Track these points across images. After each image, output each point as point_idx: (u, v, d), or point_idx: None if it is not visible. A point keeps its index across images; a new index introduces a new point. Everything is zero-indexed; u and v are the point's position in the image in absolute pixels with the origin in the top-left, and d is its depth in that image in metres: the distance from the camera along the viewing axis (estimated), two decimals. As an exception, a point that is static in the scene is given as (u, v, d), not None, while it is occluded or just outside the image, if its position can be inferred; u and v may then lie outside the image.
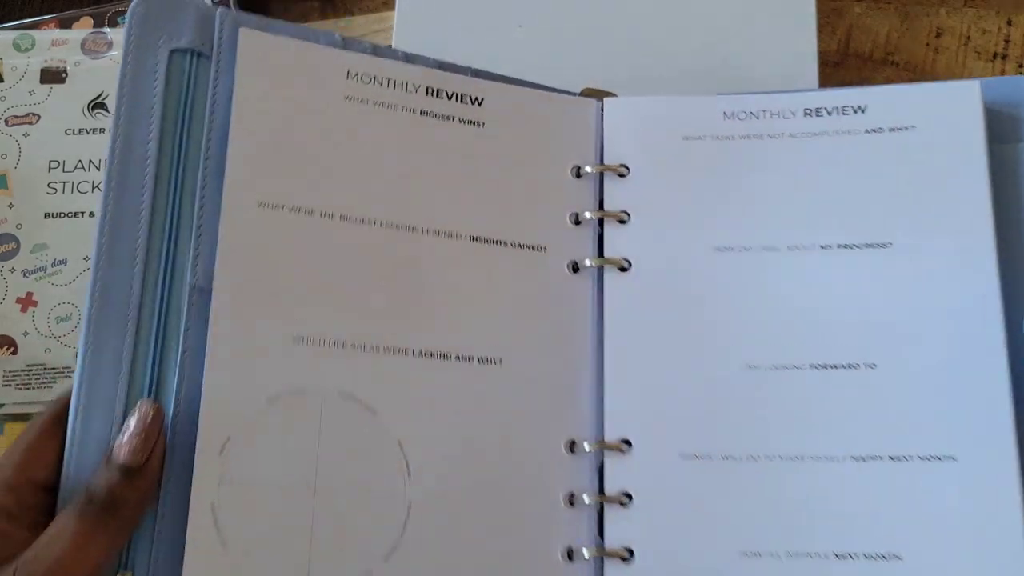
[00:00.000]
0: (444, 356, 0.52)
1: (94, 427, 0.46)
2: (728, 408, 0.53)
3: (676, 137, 0.57)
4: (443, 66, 0.57)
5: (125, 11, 0.54)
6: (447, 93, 0.55)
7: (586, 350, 0.55)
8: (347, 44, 0.55)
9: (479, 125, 0.56)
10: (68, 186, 0.51)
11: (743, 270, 0.55)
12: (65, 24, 0.55)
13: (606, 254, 0.56)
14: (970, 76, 0.53)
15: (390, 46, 0.55)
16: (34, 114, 0.52)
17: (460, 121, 0.55)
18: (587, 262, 0.55)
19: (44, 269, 0.50)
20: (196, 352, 0.48)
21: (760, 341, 0.54)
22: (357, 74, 0.54)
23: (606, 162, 0.57)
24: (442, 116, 0.55)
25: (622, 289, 0.55)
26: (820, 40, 0.49)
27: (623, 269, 0.56)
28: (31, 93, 0.52)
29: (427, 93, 0.55)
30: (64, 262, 0.50)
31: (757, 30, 0.51)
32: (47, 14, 0.54)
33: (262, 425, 0.49)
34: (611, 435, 0.53)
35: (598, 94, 0.59)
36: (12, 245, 0.50)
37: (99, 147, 0.51)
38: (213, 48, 0.52)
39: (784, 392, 0.53)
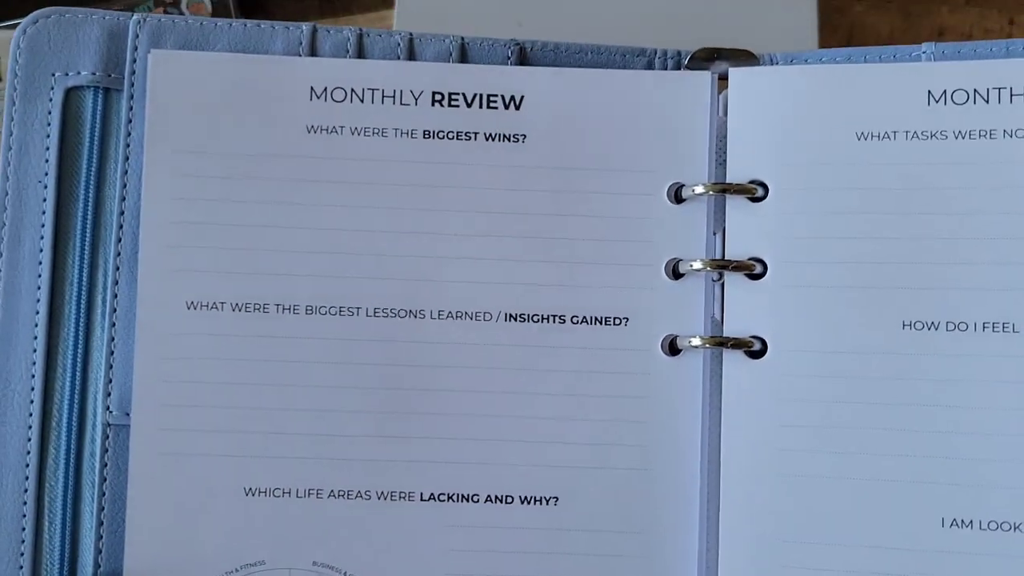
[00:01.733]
0: (469, 499, 0.36)
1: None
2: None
3: (846, 134, 0.35)
4: (466, 47, 0.38)
5: (124, 10, 0.50)
6: (465, 97, 0.37)
7: (688, 478, 0.35)
8: (317, 37, 0.38)
9: (517, 140, 0.37)
10: None
11: (955, 365, 0.34)
12: None
13: (726, 329, 0.36)
14: None
15: (389, 30, 0.36)
16: None
17: (488, 138, 0.37)
18: (692, 340, 0.36)
19: None
20: (116, 512, 0.35)
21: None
22: (324, 90, 0.36)
23: (729, 179, 0.36)
24: (458, 135, 0.37)
25: (751, 385, 0.35)
26: (821, 39, 0.47)
27: (754, 353, 0.35)
28: None
29: (434, 102, 0.37)
30: None
31: (758, 29, 0.48)
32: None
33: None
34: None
35: (713, 56, 0.37)
36: None
37: None
38: (125, 79, 0.37)
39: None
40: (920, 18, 0.53)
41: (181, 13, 0.53)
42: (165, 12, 0.53)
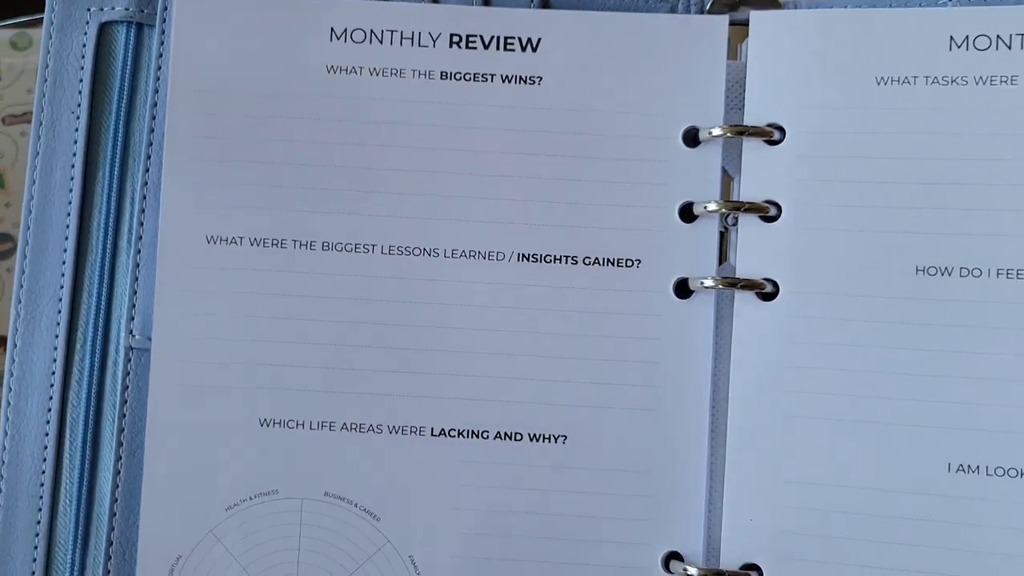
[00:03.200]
0: (479, 434, 0.36)
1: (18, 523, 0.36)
2: None
3: (865, 78, 0.35)
4: (487, -7, 0.38)
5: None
6: (482, 39, 0.37)
7: (696, 419, 0.36)
8: (341, -19, 0.38)
9: (533, 82, 0.37)
10: None
11: (967, 311, 0.33)
12: None
13: (738, 270, 0.36)
14: None
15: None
16: (31, 113, 0.46)
17: (504, 80, 0.37)
18: (705, 281, 0.36)
19: None
20: (135, 435, 0.36)
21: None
22: (344, 31, 0.37)
23: (746, 121, 0.36)
24: (475, 76, 0.37)
25: (761, 327, 0.35)
26: None
27: (765, 295, 0.35)
28: (29, 92, 0.51)
29: (452, 44, 0.37)
30: None
31: None
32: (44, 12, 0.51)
33: (221, 538, 0.36)
34: (729, 560, 0.35)
35: (735, 2, 0.37)
36: (9, 245, 0.49)
37: None
38: (156, 16, 0.38)
39: None
40: None
41: None
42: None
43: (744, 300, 0.35)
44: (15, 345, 0.37)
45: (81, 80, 0.38)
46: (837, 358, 0.34)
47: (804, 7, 0.37)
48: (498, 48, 0.37)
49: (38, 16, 0.47)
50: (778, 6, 0.37)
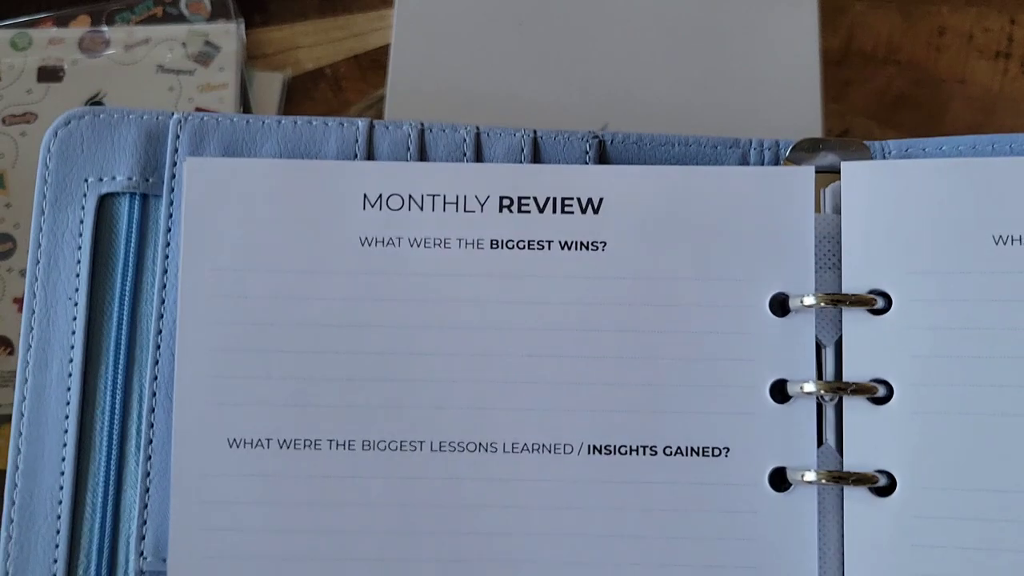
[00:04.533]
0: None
1: None
2: None
3: (982, 237, 0.31)
4: (539, 141, 0.34)
5: (123, 9, 0.53)
6: (536, 201, 0.33)
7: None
8: (375, 135, 0.34)
9: (596, 248, 0.32)
10: None
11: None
12: (62, 22, 0.53)
13: (846, 461, 0.31)
14: (972, 75, 0.52)
15: (454, 124, 0.32)
16: (31, 113, 0.51)
17: (563, 246, 0.32)
18: (805, 475, 0.31)
19: None
20: None
21: None
22: (379, 197, 0.33)
23: (845, 288, 0.32)
24: (530, 244, 0.32)
25: (877, 527, 0.30)
26: (822, 38, 0.47)
27: (879, 490, 0.31)
28: (28, 92, 0.51)
29: (502, 207, 0.33)
30: None
31: (758, 29, 0.48)
32: (44, 12, 0.53)
33: None
34: None
35: (816, 146, 0.33)
36: (9, 244, 0.49)
37: None
38: (164, 185, 0.33)
39: None
40: (920, 18, 0.52)
41: (180, 13, 0.52)
42: (164, 12, 0.52)
43: (856, 496, 0.30)
44: (6, 572, 0.32)
45: (79, 261, 0.33)
46: (969, 563, 0.29)
47: (894, 151, 0.33)
48: (555, 211, 0.33)
49: (38, 16, 0.52)
50: (866, 150, 0.33)
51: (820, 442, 0.32)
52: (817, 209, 0.33)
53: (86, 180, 0.34)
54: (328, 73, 0.53)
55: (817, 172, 0.33)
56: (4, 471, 0.43)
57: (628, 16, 0.48)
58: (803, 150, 0.33)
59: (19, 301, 0.48)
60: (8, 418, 0.44)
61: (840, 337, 0.32)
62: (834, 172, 0.33)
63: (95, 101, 0.50)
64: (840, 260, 0.32)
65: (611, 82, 0.47)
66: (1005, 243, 0.30)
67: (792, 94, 0.43)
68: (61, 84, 0.51)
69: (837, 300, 0.31)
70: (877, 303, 0.31)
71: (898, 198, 0.31)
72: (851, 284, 0.31)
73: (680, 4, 0.48)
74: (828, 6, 0.49)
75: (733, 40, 0.47)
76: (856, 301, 0.31)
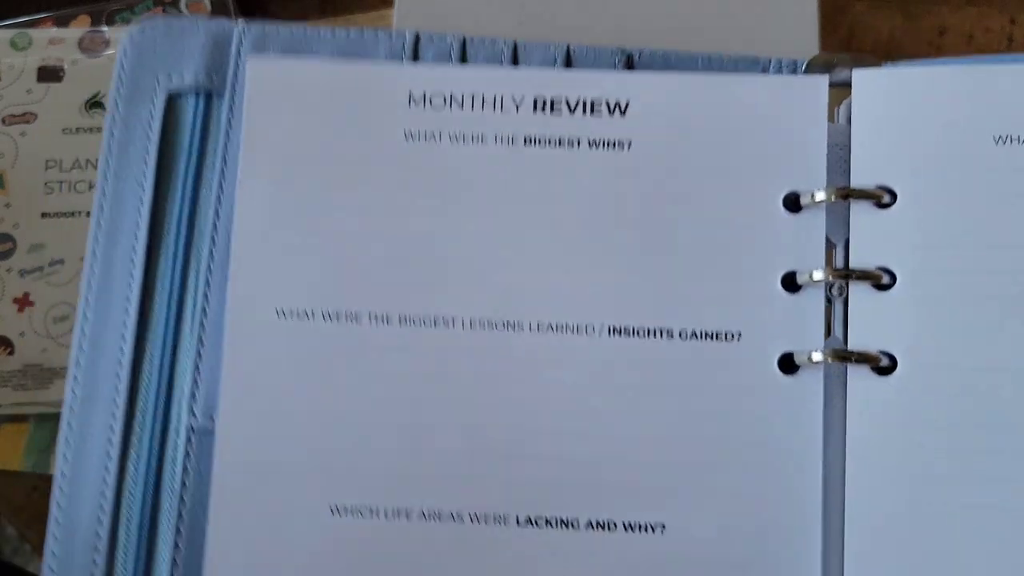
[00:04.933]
0: (568, 523, 0.33)
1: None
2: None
3: (983, 137, 0.33)
4: (572, 53, 0.37)
5: (123, 9, 0.52)
6: (567, 103, 0.35)
7: (806, 507, 0.32)
8: (420, 44, 0.37)
9: (622, 147, 0.35)
10: (65, 185, 0.49)
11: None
12: (62, 22, 0.53)
13: (851, 343, 0.33)
14: None
15: (493, 37, 0.35)
16: (31, 113, 0.50)
17: (591, 144, 0.35)
18: (812, 356, 0.33)
19: (41, 269, 0.48)
20: (195, 523, 0.34)
21: None
22: (424, 96, 0.35)
23: (853, 183, 0.34)
24: (560, 141, 0.35)
25: (879, 404, 0.32)
26: (822, 38, 0.44)
27: (881, 370, 0.33)
28: (28, 92, 0.50)
29: (536, 108, 0.35)
30: (61, 262, 0.48)
31: (759, 27, 0.46)
32: (44, 12, 0.53)
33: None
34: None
35: (830, 63, 0.36)
36: (9, 245, 0.48)
37: (97, 147, 0.47)
38: (227, 84, 0.36)
39: None
40: (920, 18, 0.51)
41: (180, 13, 0.52)
42: (163, 11, 0.52)
43: (859, 375, 0.32)
44: (69, 426, 0.34)
45: (147, 151, 0.36)
46: (964, 439, 0.31)
47: (902, 67, 0.35)
48: (585, 112, 0.35)
49: (38, 16, 0.51)
50: (875, 61, 0.35)
51: (828, 334, 0.34)
52: (831, 121, 0.35)
53: (157, 78, 0.37)
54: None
55: (832, 87, 0.35)
56: (5, 471, 0.46)
57: (625, 17, 0.47)
58: (818, 65, 0.36)
59: (19, 301, 0.48)
60: (8, 418, 0.47)
61: (848, 237, 0.34)
62: (847, 86, 0.35)
63: (95, 101, 0.50)
64: (850, 167, 0.34)
65: None
66: (1005, 143, 0.33)
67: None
68: (61, 84, 0.50)
69: (846, 194, 0.33)
70: (883, 198, 0.33)
71: (905, 101, 0.33)
72: (859, 180, 0.33)
73: (678, 7, 0.47)
74: (828, 6, 0.49)
75: (732, 40, 0.46)
76: (863, 195, 0.33)
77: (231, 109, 0.36)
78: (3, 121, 0.49)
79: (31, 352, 0.47)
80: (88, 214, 0.45)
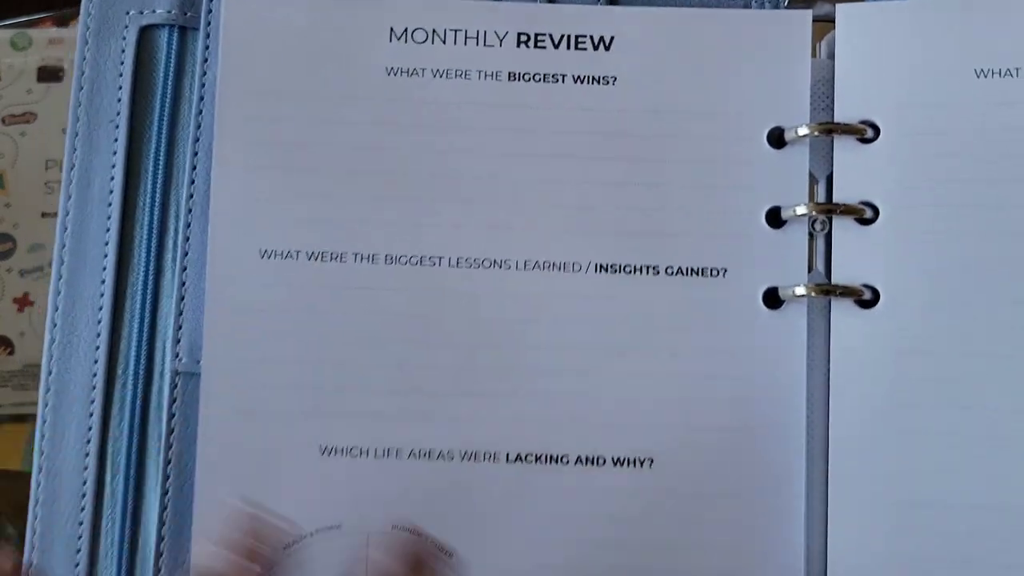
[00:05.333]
0: (557, 459, 0.33)
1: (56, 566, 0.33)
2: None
3: (964, 71, 0.33)
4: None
5: None
6: (552, 38, 0.35)
7: (791, 437, 0.33)
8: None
9: (607, 82, 0.35)
10: None
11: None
12: (62, 22, 0.53)
13: (834, 277, 0.33)
14: None
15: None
16: (31, 113, 0.50)
17: (576, 80, 0.35)
18: (796, 290, 0.33)
19: (41, 269, 0.48)
20: (183, 467, 0.33)
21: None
22: (405, 31, 0.35)
23: (837, 118, 0.34)
24: (545, 77, 0.35)
25: (862, 336, 0.33)
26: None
27: (863, 302, 0.33)
28: (28, 92, 0.51)
29: (519, 43, 0.35)
30: None
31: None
32: (44, 12, 0.53)
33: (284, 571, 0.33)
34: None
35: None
36: (9, 244, 0.49)
37: None
38: (201, 18, 0.35)
39: None
40: None
41: None
42: None
43: (842, 308, 0.33)
44: (50, 372, 0.34)
45: (120, 87, 0.35)
46: (943, 367, 0.32)
47: (886, 2, 0.36)
48: (569, 47, 0.35)
49: (38, 16, 0.51)
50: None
51: (810, 268, 0.34)
52: (814, 56, 0.35)
53: (127, 12, 0.36)
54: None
55: (814, 21, 0.35)
56: (5, 471, 0.46)
57: None
58: (801, 0, 0.36)
59: (19, 301, 0.48)
60: (9, 418, 0.47)
61: (831, 172, 0.34)
62: (830, 22, 0.35)
63: None
64: (833, 103, 0.34)
65: None
66: (985, 76, 0.33)
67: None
68: (61, 84, 0.50)
69: (830, 129, 0.33)
70: (866, 132, 0.33)
71: (887, 36, 0.34)
72: (843, 115, 0.34)
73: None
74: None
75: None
76: (847, 130, 0.33)
77: (207, 44, 0.35)
78: (3, 121, 0.50)
79: (31, 352, 0.47)
80: None
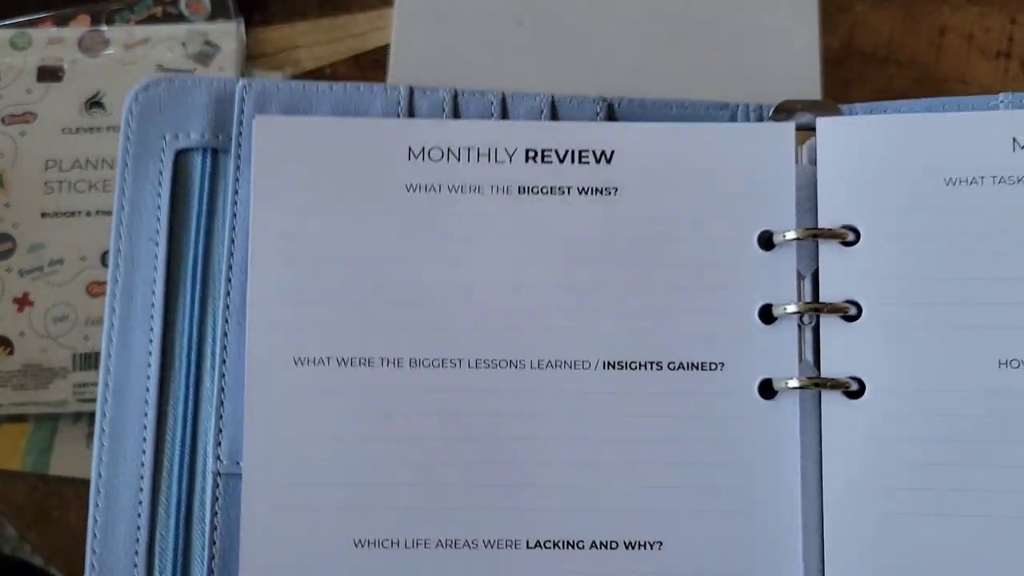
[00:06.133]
0: (573, 544, 0.36)
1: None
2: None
3: (934, 180, 0.36)
4: (556, 104, 0.39)
5: (123, 9, 0.53)
6: (557, 153, 0.38)
7: (788, 519, 0.36)
8: (414, 97, 0.39)
9: (610, 193, 0.38)
10: (65, 185, 0.50)
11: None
12: (62, 22, 0.53)
13: (824, 370, 0.36)
14: (973, 74, 0.53)
15: (483, 90, 0.38)
16: (31, 113, 0.51)
17: (581, 192, 0.38)
18: (789, 382, 0.36)
19: (41, 269, 0.49)
20: (226, 561, 0.36)
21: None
22: (423, 150, 0.38)
23: (820, 223, 0.37)
24: (552, 189, 0.38)
25: (851, 425, 0.36)
26: (822, 38, 0.47)
27: (851, 393, 0.36)
28: (28, 91, 0.51)
29: (528, 158, 0.38)
30: (61, 262, 0.49)
31: (759, 28, 0.48)
32: (43, 12, 0.53)
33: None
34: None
35: (795, 107, 0.39)
36: (9, 245, 0.49)
37: (97, 146, 0.50)
38: (232, 141, 0.38)
39: None
40: (921, 17, 0.53)
41: (180, 13, 0.53)
42: (164, 12, 0.53)
43: (832, 399, 0.36)
44: (100, 475, 0.36)
45: (159, 207, 0.38)
46: (929, 453, 0.35)
47: (860, 112, 0.39)
48: (573, 161, 0.38)
49: (38, 16, 0.52)
50: (838, 111, 0.38)
51: (800, 359, 0.37)
52: (796, 162, 0.38)
53: (164, 137, 0.39)
54: (328, 72, 0.53)
55: (796, 130, 0.38)
56: (4, 471, 0.47)
57: (628, 13, 0.49)
58: (784, 111, 0.39)
59: (19, 301, 0.49)
60: (8, 418, 0.48)
61: (816, 269, 0.37)
62: (810, 130, 0.38)
63: (95, 101, 0.51)
64: (816, 205, 0.37)
65: (611, 79, 0.48)
66: (955, 184, 0.36)
67: (792, 94, 0.42)
68: (61, 84, 0.51)
69: (815, 234, 0.37)
70: (848, 236, 0.36)
71: (864, 147, 0.37)
72: (826, 220, 0.37)
73: (681, 3, 0.49)
74: (829, 5, 0.50)
75: (734, 39, 0.48)
76: (830, 234, 0.37)
77: (238, 165, 0.38)
78: (3, 121, 0.50)
79: (31, 352, 0.48)
80: (88, 214, 0.49)
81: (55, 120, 0.51)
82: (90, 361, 0.48)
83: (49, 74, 0.51)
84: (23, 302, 0.48)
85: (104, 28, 0.52)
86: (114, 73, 0.51)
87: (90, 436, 0.47)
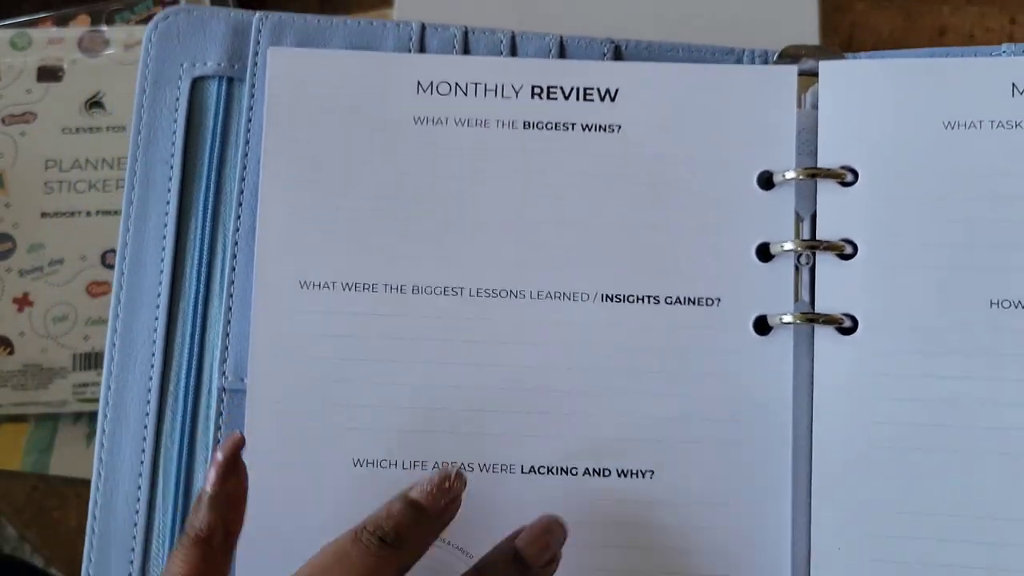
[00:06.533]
0: (568, 471, 0.37)
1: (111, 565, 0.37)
2: None
3: (933, 123, 0.37)
4: (565, 44, 0.40)
5: (122, 9, 0.53)
6: (562, 90, 0.39)
7: (778, 452, 0.36)
8: (426, 34, 0.40)
9: (612, 130, 0.39)
10: (65, 185, 0.50)
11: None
12: (62, 22, 0.53)
13: (818, 306, 0.37)
14: None
15: (493, 28, 0.38)
16: (31, 113, 0.51)
17: (584, 128, 0.39)
18: (784, 318, 0.37)
19: (41, 269, 0.49)
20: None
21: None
22: (431, 84, 0.39)
23: (820, 164, 0.38)
24: (556, 125, 0.39)
25: (842, 360, 0.36)
26: (822, 38, 0.48)
27: (844, 330, 0.37)
28: (28, 92, 0.51)
29: (533, 95, 0.39)
30: (61, 262, 0.50)
31: (759, 27, 0.48)
32: (43, 12, 0.53)
33: None
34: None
35: (800, 52, 0.39)
36: (9, 245, 0.50)
37: (96, 146, 0.51)
38: (247, 71, 0.39)
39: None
40: (921, 17, 0.53)
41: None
42: (163, 7, 0.52)
43: (825, 335, 0.37)
44: (109, 387, 0.38)
45: (175, 132, 0.39)
46: (917, 389, 0.36)
47: (864, 58, 0.39)
48: (578, 98, 0.39)
49: (38, 16, 0.53)
50: (840, 54, 0.39)
51: (796, 298, 0.38)
52: (800, 107, 0.39)
53: (181, 65, 0.40)
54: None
55: (800, 75, 0.39)
56: (4, 471, 0.48)
57: (628, 17, 0.50)
58: (788, 56, 0.40)
59: (19, 301, 0.49)
60: (8, 418, 0.49)
61: (815, 211, 0.38)
62: (813, 75, 0.39)
63: (95, 101, 0.51)
64: (816, 148, 0.38)
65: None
66: (953, 128, 0.37)
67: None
68: (61, 84, 0.51)
69: (813, 173, 0.37)
70: (846, 176, 0.37)
71: (865, 90, 0.37)
72: (825, 160, 0.37)
73: (681, 5, 0.50)
74: (829, 5, 0.51)
75: (733, 39, 0.45)
76: (829, 174, 0.37)
77: (252, 93, 0.39)
78: (3, 121, 0.51)
79: (31, 352, 0.48)
80: (88, 214, 0.49)
81: (55, 120, 0.51)
82: (90, 361, 0.48)
83: (49, 74, 0.51)
84: (23, 302, 0.49)
85: (104, 28, 0.53)
86: (114, 73, 0.51)
87: (90, 436, 0.48)
